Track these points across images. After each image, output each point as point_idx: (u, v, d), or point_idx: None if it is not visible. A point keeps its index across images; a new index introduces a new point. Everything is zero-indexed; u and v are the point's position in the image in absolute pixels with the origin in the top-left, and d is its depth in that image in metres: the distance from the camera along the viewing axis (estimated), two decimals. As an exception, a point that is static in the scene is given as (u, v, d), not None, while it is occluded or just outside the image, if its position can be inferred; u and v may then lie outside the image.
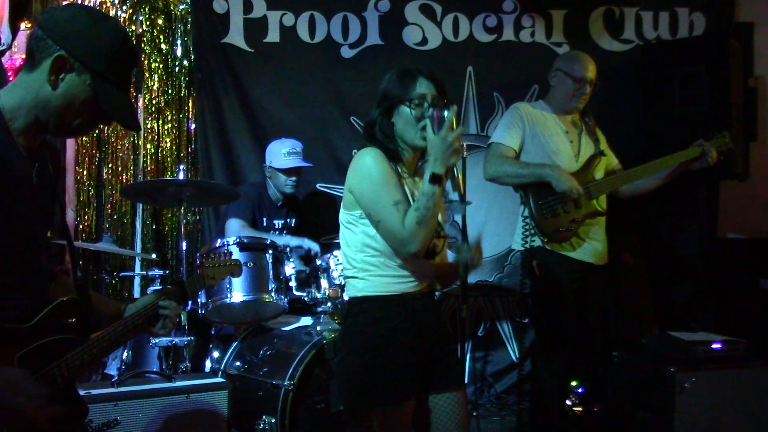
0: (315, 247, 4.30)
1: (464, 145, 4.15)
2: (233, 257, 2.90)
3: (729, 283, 4.92)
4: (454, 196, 2.50)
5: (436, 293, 2.63)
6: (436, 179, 2.32)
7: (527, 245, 3.92)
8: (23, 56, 1.93)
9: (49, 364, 1.90)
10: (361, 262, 2.49)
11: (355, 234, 2.49)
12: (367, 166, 2.43)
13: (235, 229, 4.27)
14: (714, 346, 3.84)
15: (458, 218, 2.57)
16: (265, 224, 4.49)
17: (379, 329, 2.45)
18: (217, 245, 3.91)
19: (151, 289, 4.03)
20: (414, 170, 2.58)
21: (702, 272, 4.78)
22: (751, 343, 3.92)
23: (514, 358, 5.01)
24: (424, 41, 5.01)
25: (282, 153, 4.46)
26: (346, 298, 2.61)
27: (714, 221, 5.04)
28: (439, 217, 2.52)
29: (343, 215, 2.52)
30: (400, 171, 2.51)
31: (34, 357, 1.88)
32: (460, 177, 2.46)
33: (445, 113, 2.33)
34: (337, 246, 4.80)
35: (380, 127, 2.50)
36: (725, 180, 4.88)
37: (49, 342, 1.92)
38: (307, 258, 4.34)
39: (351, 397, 2.49)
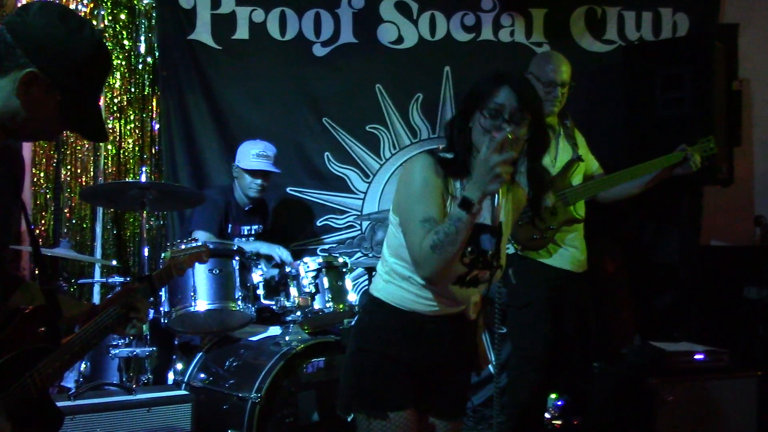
0: (287, 257, 4.29)
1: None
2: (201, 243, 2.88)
3: (712, 291, 4.99)
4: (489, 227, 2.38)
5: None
6: (466, 205, 2.20)
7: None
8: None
9: (21, 375, 1.91)
10: (391, 266, 2.49)
11: (395, 237, 2.47)
12: (412, 173, 2.38)
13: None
14: (696, 356, 3.90)
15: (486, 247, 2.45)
16: (230, 230, 4.48)
17: (377, 336, 2.47)
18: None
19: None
20: None
21: (684, 280, 4.84)
22: (735, 354, 3.97)
23: (491, 369, 5.03)
24: (400, 40, 5.04)
25: (251, 154, 4.47)
26: (369, 288, 2.62)
27: (697, 228, 5.10)
28: (489, 242, 2.40)
29: (391, 215, 2.50)
30: (457, 185, 2.42)
31: (5, 370, 1.90)
32: (500, 207, 2.33)
33: (497, 135, 2.17)
34: (308, 252, 4.84)
35: (457, 129, 2.42)
36: (708, 186, 4.95)
37: (20, 353, 1.92)
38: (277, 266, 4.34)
39: (342, 393, 2.54)
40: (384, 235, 2.91)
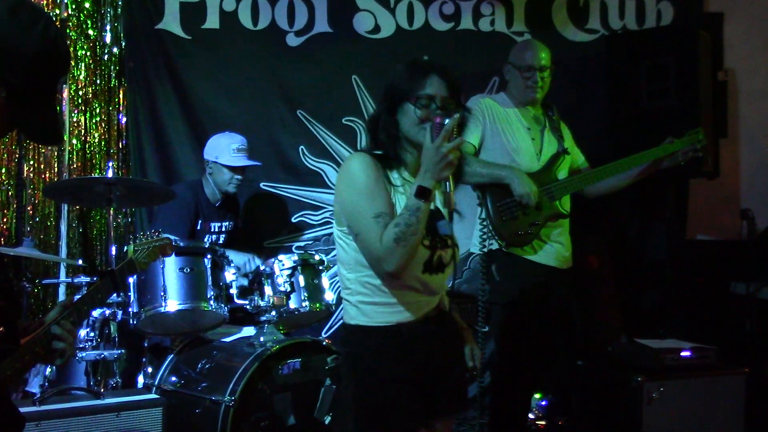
0: (253, 266, 4.27)
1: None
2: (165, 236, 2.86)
3: (699, 287, 5.04)
4: (443, 213, 2.45)
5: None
6: (423, 193, 2.27)
7: (485, 249, 3.96)
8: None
9: None
10: (355, 283, 2.47)
11: (347, 251, 2.47)
12: (351, 173, 2.41)
13: None
14: (683, 353, 3.93)
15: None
16: (200, 227, 4.45)
17: (371, 363, 2.46)
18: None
19: (77, 298, 3.96)
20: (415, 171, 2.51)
21: (670, 276, 4.88)
22: (722, 350, 4.01)
23: (473, 369, 5.04)
24: (377, 29, 5.03)
25: (231, 148, 4.44)
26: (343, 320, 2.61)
27: (683, 222, 5.15)
28: (447, 227, 2.48)
29: (336, 230, 2.49)
30: (399, 178, 2.48)
31: None
32: (452, 193, 2.36)
33: (447, 121, 2.27)
34: (283, 250, 4.82)
35: (384, 125, 2.46)
36: (694, 179, 4.99)
37: None
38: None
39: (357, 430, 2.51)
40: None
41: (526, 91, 4.03)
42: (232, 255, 4.27)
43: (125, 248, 2.70)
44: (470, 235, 4.21)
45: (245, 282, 4.17)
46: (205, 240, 4.43)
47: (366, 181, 2.38)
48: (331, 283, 4.17)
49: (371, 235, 2.33)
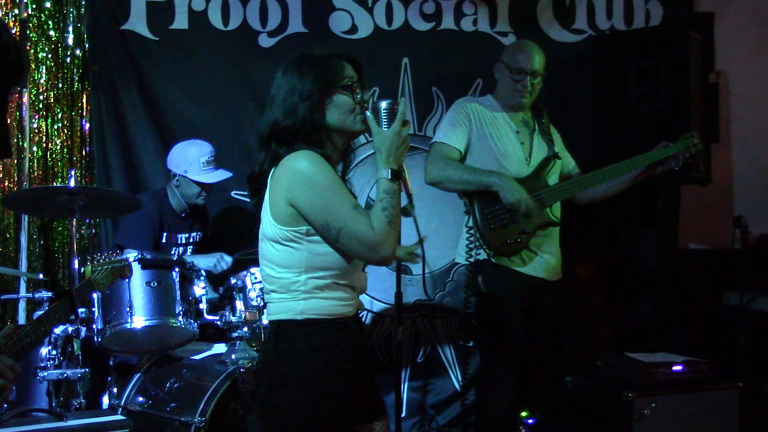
0: (226, 264, 4.25)
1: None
2: (124, 257, 2.86)
3: (690, 297, 5.07)
4: (403, 196, 2.54)
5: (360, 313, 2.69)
6: (396, 176, 2.42)
7: (472, 259, 3.97)
8: None
9: None
10: (304, 285, 2.47)
11: (297, 252, 2.47)
12: (309, 172, 2.41)
13: None
14: (675, 367, 3.95)
15: (409, 219, 2.60)
16: (165, 240, 4.43)
17: (324, 357, 2.45)
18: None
19: (38, 313, 3.93)
20: (337, 161, 2.61)
21: (661, 286, 4.90)
22: (715, 364, 4.04)
23: (457, 386, 5.06)
24: (354, 29, 5.04)
25: (201, 162, 4.41)
26: (267, 320, 2.59)
27: (674, 230, 5.18)
28: (413, 210, 2.61)
29: (278, 232, 2.47)
30: (338, 168, 2.57)
31: None
32: (407, 175, 2.52)
33: (399, 106, 2.42)
34: (255, 262, 4.80)
35: (313, 126, 2.49)
36: (685, 185, 5.02)
37: None
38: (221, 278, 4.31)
39: None
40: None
41: (513, 94, 4.05)
42: (198, 259, 4.26)
43: (82, 269, 2.69)
44: (454, 245, 4.22)
45: (215, 296, 4.15)
46: (172, 253, 4.41)
47: (329, 176, 2.43)
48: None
49: (360, 225, 2.38)
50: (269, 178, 2.50)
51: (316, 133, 2.50)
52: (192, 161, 4.41)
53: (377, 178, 2.44)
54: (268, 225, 2.50)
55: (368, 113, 2.46)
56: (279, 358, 2.50)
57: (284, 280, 2.49)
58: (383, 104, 2.43)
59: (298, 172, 2.42)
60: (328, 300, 2.48)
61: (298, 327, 2.47)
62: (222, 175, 4.47)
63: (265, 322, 3.99)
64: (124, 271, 2.82)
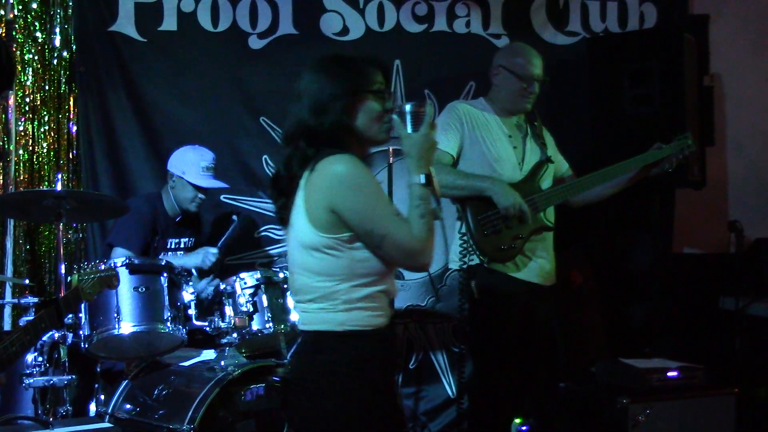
0: (212, 256, 4.25)
1: (391, 150, 4.20)
2: (109, 266, 2.86)
3: (685, 302, 5.07)
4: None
5: None
6: (429, 180, 2.45)
7: (464, 264, 3.96)
8: None
9: None
10: (345, 294, 2.46)
11: (337, 260, 2.45)
12: (351, 177, 2.41)
13: None
14: (670, 373, 3.95)
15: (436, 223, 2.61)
16: (156, 244, 4.42)
17: (363, 370, 2.46)
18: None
19: (24, 319, 3.92)
20: None
21: (656, 291, 4.91)
22: (711, 370, 4.04)
23: (450, 393, 5.06)
24: (345, 31, 5.04)
25: (200, 166, 4.40)
26: (301, 329, 2.57)
27: (669, 235, 5.19)
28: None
29: (319, 239, 2.44)
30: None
31: None
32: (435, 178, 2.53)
33: (426, 108, 2.48)
34: (244, 267, 4.79)
35: (341, 128, 2.49)
36: (680, 189, 5.03)
37: None
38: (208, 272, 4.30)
39: None
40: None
41: (520, 100, 4.04)
42: (185, 260, 4.26)
43: (69, 279, 2.69)
44: (447, 250, 4.22)
45: (210, 290, 4.14)
46: (161, 258, 4.40)
47: (371, 181, 2.45)
48: (297, 303, 4.15)
49: (402, 233, 2.39)
50: (303, 182, 2.48)
51: (344, 135, 2.49)
52: (191, 164, 4.41)
53: (410, 182, 2.46)
54: (306, 232, 2.47)
55: (394, 116, 2.49)
56: (317, 370, 2.49)
57: (324, 288, 2.47)
58: (408, 107, 2.48)
59: (340, 176, 2.41)
60: (366, 311, 2.47)
61: (338, 339, 2.47)
62: (218, 183, 4.47)
63: (254, 328, 3.99)
64: (112, 281, 2.82)
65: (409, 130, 2.46)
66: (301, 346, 2.58)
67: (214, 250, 4.32)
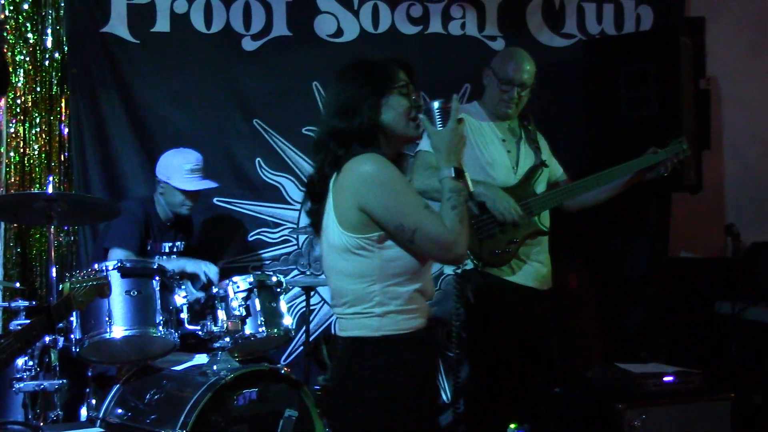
0: (215, 275, 4.25)
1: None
2: (103, 275, 2.85)
3: (682, 307, 5.08)
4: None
5: None
6: (459, 174, 2.48)
7: (459, 269, 3.96)
8: None
9: None
10: (379, 296, 2.47)
11: (368, 261, 2.47)
12: (377, 174, 2.43)
13: None
14: (666, 378, 3.97)
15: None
16: (150, 248, 4.41)
17: (402, 375, 2.48)
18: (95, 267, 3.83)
19: (15, 323, 3.91)
20: None
21: (652, 295, 4.92)
22: (707, 375, 4.05)
23: (445, 397, 5.05)
24: (339, 32, 5.04)
25: (184, 169, 4.38)
26: (339, 335, 2.57)
27: (665, 239, 5.20)
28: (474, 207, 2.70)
29: (349, 240, 2.46)
30: None
31: None
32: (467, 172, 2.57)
33: (453, 104, 2.52)
34: (237, 271, 4.78)
35: (370, 126, 2.52)
36: (676, 193, 5.04)
37: None
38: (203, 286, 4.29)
39: None
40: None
41: (499, 104, 4.05)
42: (186, 263, 4.25)
43: (61, 287, 2.68)
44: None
45: (201, 295, 4.13)
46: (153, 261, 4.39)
47: (397, 176, 2.47)
48: (290, 307, 4.16)
49: (434, 225, 2.42)
50: (331, 185, 2.51)
51: (373, 133, 2.53)
52: (176, 168, 4.39)
53: (441, 177, 2.49)
54: (336, 235, 2.49)
55: (421, 115, 2.53)
56: (356, 377, 2.51)
57: (358, 290, 2.49)
58: (435, 104, 2.51)
59: (366, 175, 2.44)
60: (403, 314, 2.48)
61: (375, 345, 2.48)
62: (205, 184, 4.45)
63: (247, 332, 3.98)
64: (104, 290, 2.82)
65: (438, 126, 2.50)
66: (339, 353, 2.59)
67: (215, 270, 4.29)
